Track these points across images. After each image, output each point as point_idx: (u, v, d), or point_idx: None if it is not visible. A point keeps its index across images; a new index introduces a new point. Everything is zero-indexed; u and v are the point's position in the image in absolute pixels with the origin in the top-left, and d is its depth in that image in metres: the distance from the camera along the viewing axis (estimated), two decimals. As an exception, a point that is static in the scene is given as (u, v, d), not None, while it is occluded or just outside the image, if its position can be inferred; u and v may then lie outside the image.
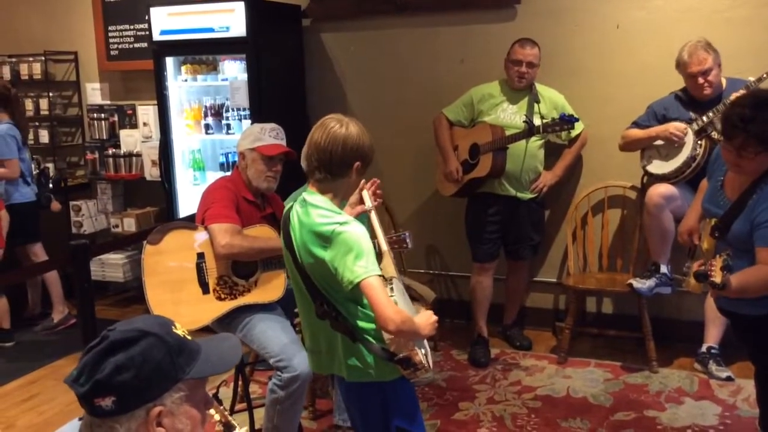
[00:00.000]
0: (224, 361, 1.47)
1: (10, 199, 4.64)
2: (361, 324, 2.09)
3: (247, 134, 3.10)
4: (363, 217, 2.31)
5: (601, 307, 4.40)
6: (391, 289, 2.06)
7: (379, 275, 2.00)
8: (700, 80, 3.54)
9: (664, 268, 3.73)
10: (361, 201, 2.34)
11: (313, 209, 2.07)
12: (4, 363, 4.35)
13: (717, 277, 2.21)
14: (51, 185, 5.03)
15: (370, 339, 2.09)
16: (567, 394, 3.61)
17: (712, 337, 3.78)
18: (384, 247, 2.18)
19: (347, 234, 2.00)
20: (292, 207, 2.18)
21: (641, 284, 3.73)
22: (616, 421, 3.31)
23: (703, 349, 3.80)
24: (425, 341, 2.16)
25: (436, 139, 4.12)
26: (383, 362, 2.09)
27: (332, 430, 3.18)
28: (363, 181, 2.31)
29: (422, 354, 2.08)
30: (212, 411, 1.50)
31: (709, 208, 2.60)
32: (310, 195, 2.12)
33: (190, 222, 3.07)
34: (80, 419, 1.85)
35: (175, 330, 1.41)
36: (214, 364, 1.44)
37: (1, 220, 4.44)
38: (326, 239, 2.01)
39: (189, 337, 1.43)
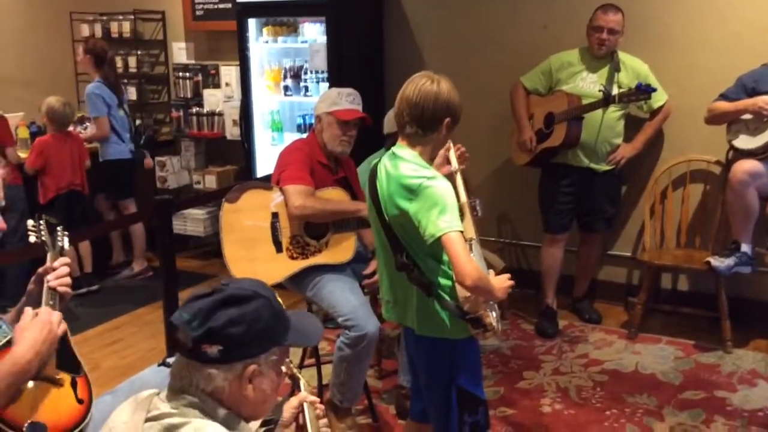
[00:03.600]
0: (312, 335, 1.60)
1: (105, 156, 4.87)
2: (439, 279, 2.14)
3: (324, 98, 3.15)
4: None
5: (677, 284, 4.29)
6: (470, 247, 2.09)
7: (461, 231, 2.02)
8: None
9: (745, 247, 3.61)
10: (447, 162, 2.37)
11: (402, 162, 2.12)
12: (90, 308, 4.59)
13: None
14: (143, 143, 5.24)
15: (445, 295, 2.13)
16: (635, 369, 3.57)
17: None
18: (466, 208, 2.21)
19: (434, 188, 2.04)
20: (379, 161, 2.23)
21: (720, 262, 3.62)
22: (685, 400, 3.27)
23: (782, 331, 3.69)
24: (496, 306, 2.19)
25: (512, 107, 4.07)
26: (455, 319, 2.13)
27: (397, 390, 3.25)
28: (450, 141, 2.33)
29: (493, 317, 2.12)
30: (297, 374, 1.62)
31: None
32: (400, 149, 2.17)
33: (267, 182, 3.16)
34: (159, 365, 1.98)
35: (277, 298, 1.51)
36: (305, 336, 1.57)
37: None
38: (413, 192, 2.06)
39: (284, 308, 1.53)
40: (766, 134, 3.46)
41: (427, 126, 2.13)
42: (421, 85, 2.11)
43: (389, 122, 3.42)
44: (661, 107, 3.90)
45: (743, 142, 3.59)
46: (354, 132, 3.10)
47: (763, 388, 3.35)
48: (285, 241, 3.02)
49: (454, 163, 2.39)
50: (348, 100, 3.07)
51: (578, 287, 4.29)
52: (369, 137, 4.55)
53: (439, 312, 2.15)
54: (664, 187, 4.13)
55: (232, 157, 5.36)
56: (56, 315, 1.74)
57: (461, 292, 2.08)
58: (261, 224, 3.02)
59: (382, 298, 2.37)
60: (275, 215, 3.02)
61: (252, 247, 3.03)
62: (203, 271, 5.12)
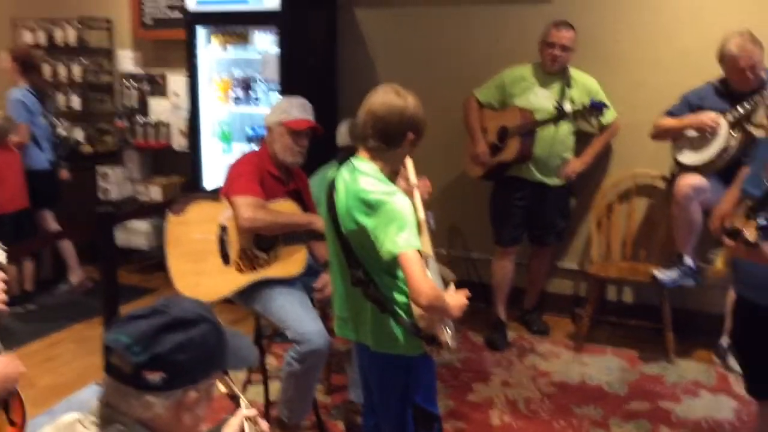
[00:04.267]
0: (249, 356, 1.53)
1: (27, 164, 4.71)
2: (395, 295, 2.12)
3: (275, 108, 3.11)
4: None
5: (622, 296, 4.37)
6: (427, 265, 2.08)
7: (419, 250, 2.01)
8: (749, 75, 3.45)
9: (688, 260, 3.69)
10: (405, 177, 2.36)
11: (361, 176, 2.09)
12: (25, 323, 4.43)
13: (751, 235, 2.15)
14: (63, 154, 5.03)
15: (401, 312, 2.11)
16: (582, 380, 3.61)
17: (730, 329, 3.73)
18: (424, 225, 2.19)
19: (393, 204, 2.02)
20: (338, 172, 2.19)
21: (664, 275, 3.69)
22: (630, 410, 3.31)
23: (722, 342, 3.77)
24: (451, 322, 2.18)
25: (466, 120, 4.10)
26: (410, 336, 2.11)
27: (346, 405, 3.21)
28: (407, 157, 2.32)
29: (448, 334, 2.11)
30: (217, 382, 1.53)
31: (747, 189, 2.54)
32: (360, 162, 2.14)
33: (214, 194, 3.10)
34: (99, 383, 1.89)
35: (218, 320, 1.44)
36: (242, 358, 1.49)
37: None
38: (371, 207, 2.03)
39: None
40: (710, 150, 3.56)
41: (391, 140, 2.11)
42: (387, 98, 2.09)
43: (342, 134, 3.40)
44: (610, 123, 3.98)
45: (688, 157, 3.68)
46: (306, 142, 3.07)
47: (705, 399, 3.42)
48: (233, 254, 2.96)
49: (413, 178, 2.35)
50: (299, 110, 3.04)
51: (528, 300, 4.32)
52: (321, 149, 4.52)
53: (394, 328, 2.12)
54: (611, 201, 4.21)
55: (179, 168, 5.26)
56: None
57: (417, 310, 2.06)
58: (208, 237, 2.95)
59: (335, 314, 2.33)
60: (223, 228, 2.96)
61: (199, 261, 2.96)
62: (146, 285, 5.00)
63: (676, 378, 3.63)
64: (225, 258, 2.96)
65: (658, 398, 3.42)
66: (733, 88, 3.56)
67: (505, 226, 4.01)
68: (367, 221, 2.04)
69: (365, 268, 2.12)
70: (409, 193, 2.24)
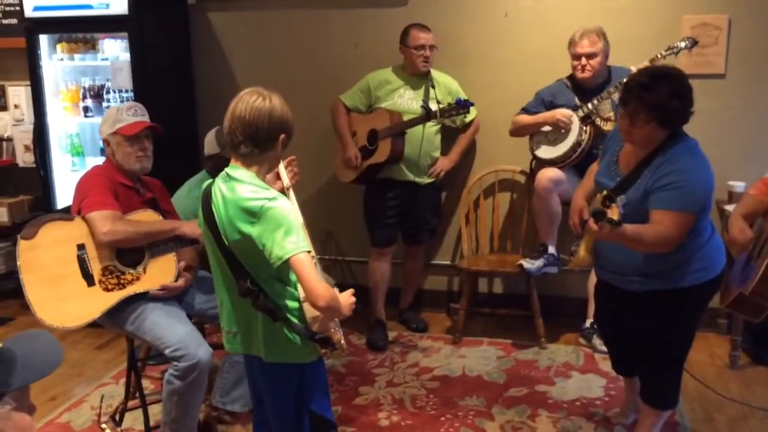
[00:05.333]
0: (48, 361, 1.35)
1: None
2: (286, 302, 2.08)
3: (105, 119, 2.95)
4: None
5: (492, 288, 4.54)
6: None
7: (309, 251, 1.98)
8: (583, 61, 3.69)
9: (551, 249, 3.89)
10: (277, 178, 2.30)
11: (239, 184, 2.03)
12: None
13: (615, 215, 2.28)
14: None
15: (293, 318, 2.08)
16: (463, 373, 3.70)
17: (594, 312, 3.97)
18: (304, 227, 2.16)
19: (276, 210, 1.97)
20: (213, 183, 2.12)
21: (531, 264, 3.86)
22: (510, 397, 3.43)
23: (587, 324, 4.01)
24: (339, 322, 2.17)
25: (334, 125, 4.09)
26: (303, 343, 2.09)
27: (209, 411, 3.10)
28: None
29: (340, 334, 2.11)
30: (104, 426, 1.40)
31: (602, 181, 2.72)
32: (235, 170, 2.08)
33: (67, 213, 2.89)
34: None
35: None
36: (38, 368, 1.32)
37: None
38: (254, 214, 1.97)
39: (0, 344, 1.31)
40: (565, 144, 3.77)
41: (263, 144, 2.06)
42: (252, 102, 2.04)
43: (210, 143, 3.28)
44: (472, 120, 4.12)
45: (544, 152, 3.88)
46: (147, 144, 2.93)
47: (577, 379, 3.61)
48: (96, 273, 2.77)
49: (285, 180, 2.33)
50: (130, 114, 2.90)
51: (404, 298, 4.38)
52: (186, 159, 4.36)
53: (287, 336, 2.08)
54: (477, 196, 4.36)
55: (26, 186, 4.86)
56: None
57: (309, 313, 2.04)
58: (66, 258, 2.75)
59: (223, 328, 2.24)
60: (81, 246, 2.76)
61: (59, 285, 2.74)
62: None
63: (548, 362, 3.81)
64: (88, 279, 2.76)
65: (534, 383, 3.58)
66: (580, 84, 3.80)
67: (380, 227, 4.05)
68: (251, 230, 1.98)
69: (253, 277, 2.06)
70: (284, 194, 2.21)
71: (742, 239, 2.71)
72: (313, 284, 1.94)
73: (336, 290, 2.10)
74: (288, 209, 2.00)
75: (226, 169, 2.11)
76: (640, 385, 2.89)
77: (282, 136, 2.09)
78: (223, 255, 2.09)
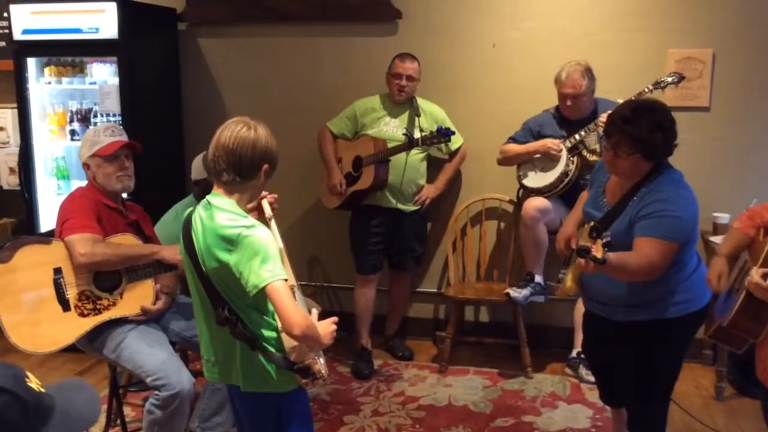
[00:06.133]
0: (83, 418, 1.31)
1: None
2: (263, 331, 2.05)
3: (83, 143, 2.95)
4: None
5: (479, 316, 4.52)
6: (294, 295, 2.03)
7: (285, 280, 1.96)
8: (568, 102, 3.74)
9: (538, 278, 3.89)
10: (259, 208, 2.29)
11: (218, 212, 2.03)
12: None
13: (598, 253, 2.28)
14: None
15: (270, 348, 2.05)
16: (449, 402, 3.67)
17: (582, 342, 3.96)
18: (285, 255, 2.14)
19: (254, 238, 1.96)
20: (193, 210, 2.12)
21: (517, 293, 3.86)
22: (497, 427, 3.40)
23: (573, 354, 4.00)
24: (321, 352, 2.14)
25: (320, 152, 4.10)
26: (282, 372, 2.06)
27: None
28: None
29: (321, 363, 2.08)
30: None
31: (589, 211, 2.72)
32: (215, 197, 2.08)
33: (47, 236, 2.86)
34: None
35: (29, 383, 1.22)
36: (71, 427, 1.26)
37: None
38: (232, 242, 1.97)
39: (43, 390, 1.26)
40: (552, 174, 3.79)
41: (246, 173, 2.06)
42: (237, 131, 2.04)
43: (197, 168, 3.28)
44: (458, 149, 4.13)
45: (532, 181, 3.90)
46: (128, 164, 2.93)
47: (563, 409, 3.59)
48: (72, 297, 2.74)
49: (267, 210, 2.32)
50: (107, 134, 2.91)
51: (390, 326, 4.36)
52: (173, 184, 4.34)
53: (265, 365, 2.06)
54: (464, 224, 4.36)
55: (10, 209, 4.81)
56: None
57: (287, 342, 2.02)
58: (42, 282, 2.71)
59: (202, 356, 2.22)
60: (58, 270, 2.73)
61: (34, 310, 2.71)
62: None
63: (534, 392, 3.79)
64: (64, 303, 2.73)
65: (520, 413, 3.55)
66: (566, 115, 3.83)
67: (365, 254, 4.03)
68: (228, 257, 1.97)
69: (230, 306, 2.04)
70: (265, 223, 2.20)
71: (715, 287, 2.62)
72: (289, 313, 1.91)
73: (314, 319, 2.08)
74: (266, 237, 1.99)
75: (208, 197, 2.11)
76: (627, 416, 2.88)
77: (265, 166, 2.09)
78: (201, 282, 2.07)
